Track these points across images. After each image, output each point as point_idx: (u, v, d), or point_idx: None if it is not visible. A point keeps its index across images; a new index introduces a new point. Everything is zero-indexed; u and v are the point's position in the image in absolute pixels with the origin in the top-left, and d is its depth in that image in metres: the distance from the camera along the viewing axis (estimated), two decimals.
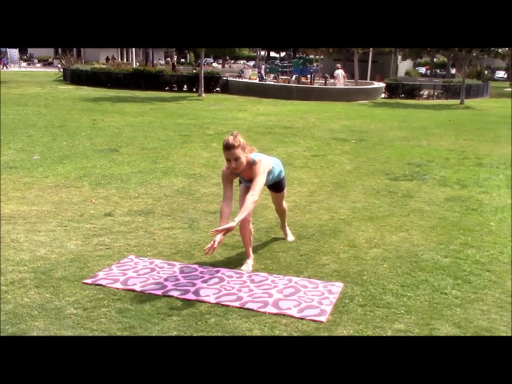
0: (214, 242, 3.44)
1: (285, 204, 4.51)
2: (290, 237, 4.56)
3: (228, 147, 3.58)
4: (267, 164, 3.79)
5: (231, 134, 3.62)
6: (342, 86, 24.78)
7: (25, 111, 13.86)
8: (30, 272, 3.68)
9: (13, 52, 45.91)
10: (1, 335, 2.83)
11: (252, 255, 4.01)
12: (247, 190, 3.75)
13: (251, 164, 3.70)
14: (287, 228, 4.61)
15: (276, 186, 4.22)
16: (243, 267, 3.89)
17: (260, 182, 3.66)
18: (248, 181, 3.78)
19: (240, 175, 3.81)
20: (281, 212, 4.52)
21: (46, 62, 52.42)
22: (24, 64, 48.23)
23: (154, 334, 2.89)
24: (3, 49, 48.20)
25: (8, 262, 3.84)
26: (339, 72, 24.98)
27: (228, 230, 3.47)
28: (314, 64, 42.66)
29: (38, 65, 51.99)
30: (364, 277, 3.77)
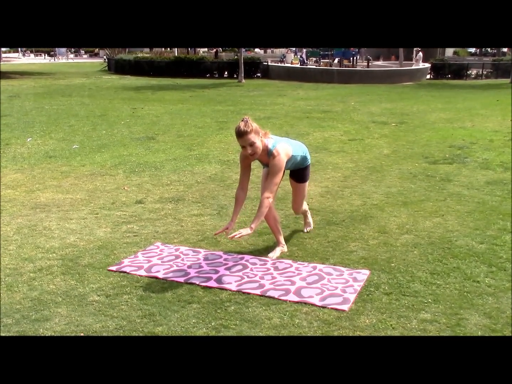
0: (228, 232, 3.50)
1: (305, 206, 4.22)
2: (308, 227, 4.34)
3: (240, 134, 3.42)
4: (285, 154, 3.60)
5: (242, 120, 3.48)
6: (420, 66, 26.55)
7: (69, 102, 14.18)
8: (58, 259, 3.75)
9: None
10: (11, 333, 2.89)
11: (282, 243, 3.93)
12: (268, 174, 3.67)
13: (269, 153, 3.55)
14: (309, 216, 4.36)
15: (297, 174, 3.98)
16: (270, 254, 3.84)
17: (276, 181, 3.53)
18: (267, 165, 3.69)
19: (258, 159, 3.69)
20: (297, 212, 4.25)
21: (92, 53, 53.49)
22: (71, 55, 49.37)
23: (172, 322, 2.88)
24: None
25: (39, 250, 3.93)
26: (421, 55, 27.69)
27: (243, 235, 3.44)
28: None
29: (85, 56, 53.12)
30: (392, 264, 3.65)
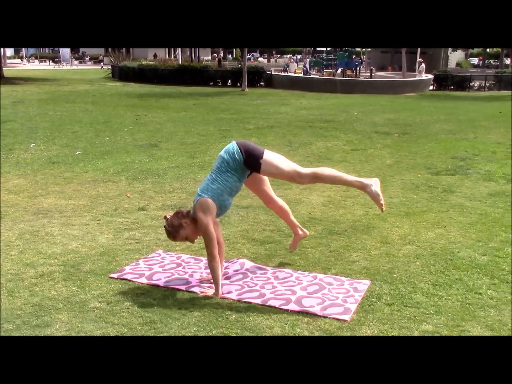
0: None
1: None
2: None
3: (171, 239, 3.53)
4: (204, 210, 3.32)
5: (164, 226, 3.43)
6: (423, 77, 26.71)
7: (72, 108, 14.24)
8: (60, 265, 3.75)
9: (65, 51, 47.24)
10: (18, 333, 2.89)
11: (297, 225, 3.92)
12: None
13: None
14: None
15: (250, 164, 3.36)
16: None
17: (208, 242, 3.32)
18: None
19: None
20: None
21: (97, 60, 53.73)
22: (76, 62, 49.62)
23: (173, 329, 2.87)
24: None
25: (40, 255, 3.93)
26: (424, 66, 28.20)
27: (209, 295, 3.34)
28: (363, 57, 41.96)
29: (89, 63, 53.38)
30: (394, 275, 3.64)
